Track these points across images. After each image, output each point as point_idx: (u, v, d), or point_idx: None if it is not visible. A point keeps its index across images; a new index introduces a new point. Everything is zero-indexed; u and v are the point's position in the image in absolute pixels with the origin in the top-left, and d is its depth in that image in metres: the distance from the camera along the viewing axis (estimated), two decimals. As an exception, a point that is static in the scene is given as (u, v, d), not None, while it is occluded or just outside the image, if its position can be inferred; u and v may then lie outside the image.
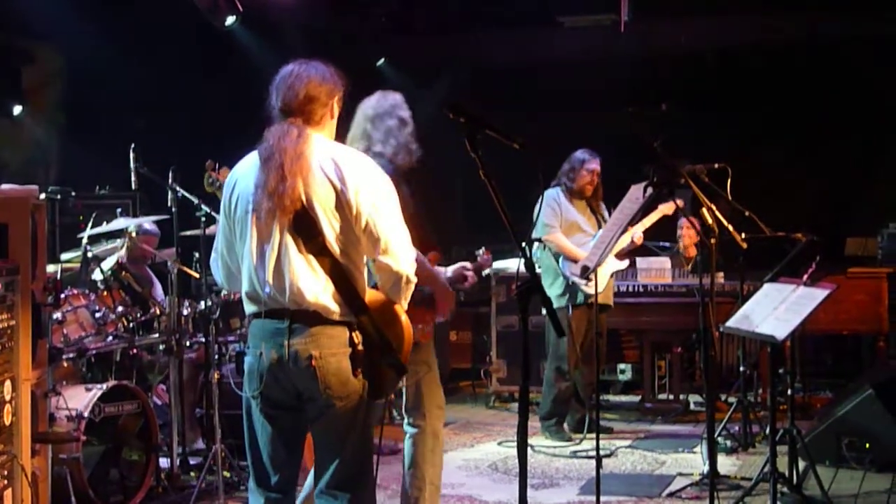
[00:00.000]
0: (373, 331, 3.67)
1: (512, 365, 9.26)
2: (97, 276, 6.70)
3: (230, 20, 8.38)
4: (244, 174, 3.72)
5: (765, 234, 6.76)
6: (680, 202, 6.27)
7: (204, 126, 9.03)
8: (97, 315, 6.23)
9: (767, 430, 6.07)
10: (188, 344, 6.72)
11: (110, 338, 6.35)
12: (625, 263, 8.01)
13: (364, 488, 3.77)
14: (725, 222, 6.43)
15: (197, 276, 6.88)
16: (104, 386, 5.84)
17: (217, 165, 4.58)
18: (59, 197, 6.78)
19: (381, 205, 3.64)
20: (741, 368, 7.41)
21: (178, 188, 6.34)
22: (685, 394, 8.91)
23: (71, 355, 5.99)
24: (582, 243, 7.64)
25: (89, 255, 6.73)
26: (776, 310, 5.49)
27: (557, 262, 7.66)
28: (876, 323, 8.60)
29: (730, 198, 6.71)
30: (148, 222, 7.33)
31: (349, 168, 3.62)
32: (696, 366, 9.24)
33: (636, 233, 7.78)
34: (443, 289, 4.67)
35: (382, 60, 10.92)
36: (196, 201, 6.24)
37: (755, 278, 7.02)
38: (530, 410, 7.49)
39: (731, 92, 10.56)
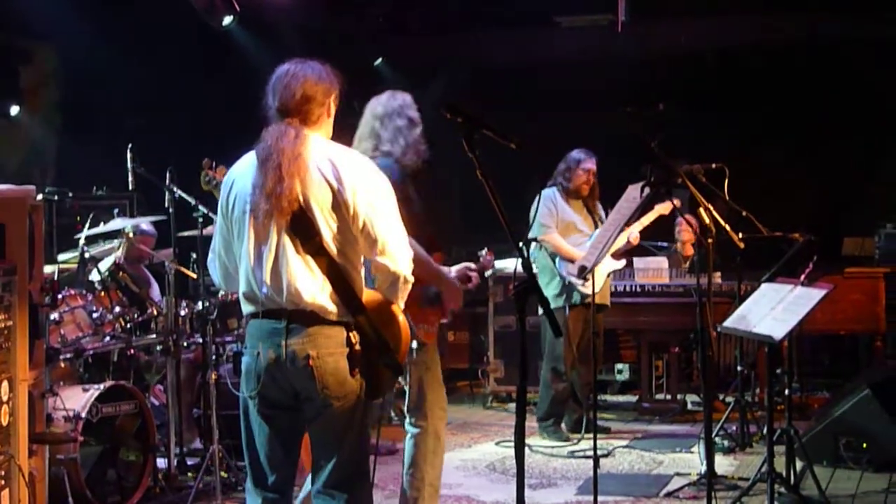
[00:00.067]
0: (370, 331, 3.67)
1: (509, 365, 9.26)
2: (94, 276, 6.69)
3: (227, 20, 8.37)
4: (242, 174, 3.72)
5: (762, 234, 6.76)
6: (676, 202, 6.27)
7: (201, 126, 9.02)
8: (94, 315, 6.22)
9: (765, 430, 6.07)
10: (185, 344, 6.72)
11: (108, 338, 6.35)
12: (621, 263, 8.01)
13: (361, 488, 3.77)
14: (723, 222, 6.44)
15: (194, 276, 6.88)
16: (101, 386, 5.84)
17: (214, 164, 4.58)
18: (56, 197, 6.78)
19: (378, 205, 3.64)
20: (738, 368, 7.42)
21: (175, 189, 6.34)
22: (682, 394, 8.92)
23: (68, 356, 5.98)
24: (578, 243, 7.64)
25: (86, 255, 6.72)
26: (773, 310, 5.49)
27: (554, 262, 7.66)
28: (873, 323, 8.60)
29: (727, 198, 6.71)
30: (145, 223, 7.33)
31: (346, 168, 3.62)
32: (693, 366, 9.23)
33: (633, 233, 7.79)
34: (450, 286, 4.67)
35: (379, 60, 10.91)
36: (193, 202, 6.24)
37: (752, 278, 7.02)
38: (528, 410, 7.48)
39: (731, 92, 10.56)
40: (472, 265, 4.93)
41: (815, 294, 5.41)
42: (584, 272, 7.05)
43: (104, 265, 6.82)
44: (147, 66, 9.01)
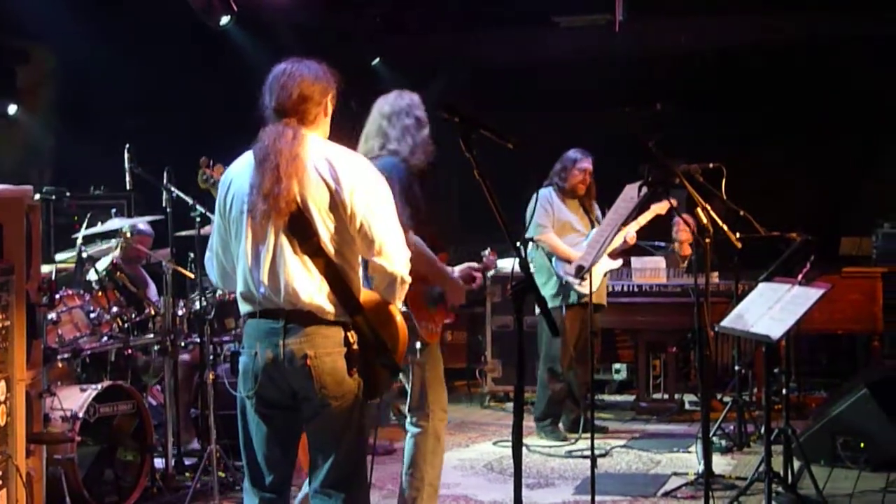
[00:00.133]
0: (367, 331, 3.67)
1: (507, 365, 9.26)
2: (92, 276, 6.69)
3: (224, 20, 8.36)
4: (239, 174, 3.72)
5: (760, 234, 6.76)
6: (673, 201, 6.27)
7: (199, 126, 9.02)
8: (92, 315, 6.23)
9: (762, 430, 6.07)
10: (183, 344, 6.72)
11: (105, 338, 6.34)
12: (618, 263, 8.01)
13: (359, 488, 3.77)
14: (720, 222, 6.44)
15: (192, 276, 6.88)
16: (99, 386, 5.83)
17: (211, 162, 4.58)
18: (53, 197, 6.78)
19: (375, 206, 3.64)
20: (736, 368, 7.43)
21: (172, 188, 6.34)
22: (680, 393, 8.92)
23: (66, 356, 5.99)
24: (575, 243, 7.64)
25: (84, 255, 6.72)
26: (771, 309, 5.50)
27: (550, 261, 7.66)
28: (870, 322, 8.61)
29: (724, 197, 6.71)
30: (142, 223, 7.33)
31: (344, 168, 3.62)
32: (691, 365, 9.24)
33: (629, 232, 7.79)
34: (455, 286, 4.69)
35: (377, 60, 10.91)
36: (191, 202, 6.24)
37: (750, 278, 7.01)
38: (525, 410, 7.49)
39: (731, 92, 10.56)
40: (476, 265, 4.94)
41: (812, 294, 5.42)
42: (581, 272, 7.05)
43: (101, 265, 6.81)
44: (144, 66, 9.01)
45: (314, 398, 3.62)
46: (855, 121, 10.40)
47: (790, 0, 9.98)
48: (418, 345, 4.57)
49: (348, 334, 3.63)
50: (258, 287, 3.63)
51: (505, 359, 9.27)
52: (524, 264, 3.35)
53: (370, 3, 10.41)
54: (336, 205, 3.59)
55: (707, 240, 5.94)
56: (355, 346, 3.64)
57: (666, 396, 8.91)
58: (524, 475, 3.76)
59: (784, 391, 6.09)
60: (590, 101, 10.42)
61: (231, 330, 6.85)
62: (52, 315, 5.91)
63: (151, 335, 6.58)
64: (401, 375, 4.67)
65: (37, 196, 5.45)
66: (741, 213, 6.73)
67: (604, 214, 7.43)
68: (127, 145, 6.44)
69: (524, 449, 6.40)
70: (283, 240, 3.60)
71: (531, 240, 7.44)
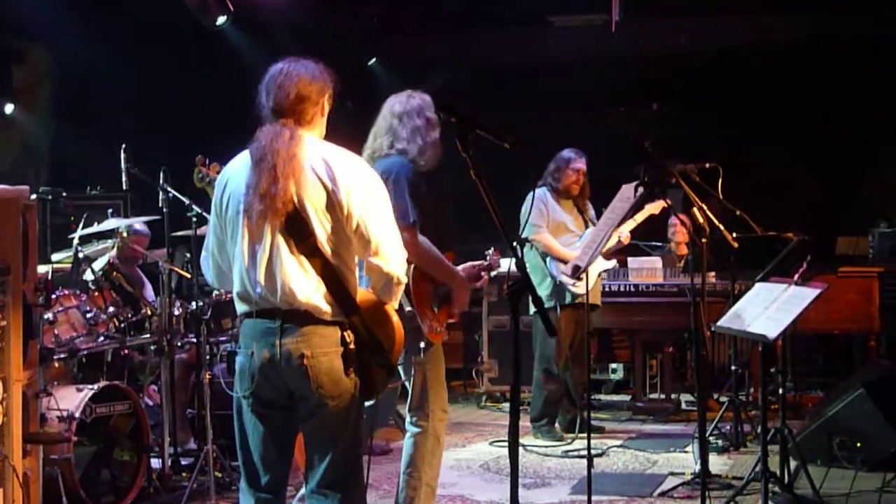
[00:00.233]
0: (363, 331, 3.67)
1: (503, 365, 9.27)
2: (88, 276, 6.68)
3: (221, 20, 8.36)
4: (236, 173, 3.72)
5: (756, 234, 6.76)
6: (668, 201, 6.27)
7: (195, 126, 9.02)
8: (88, 315, 6.22)
9: (759, 430, 6.08)
10: (179, 344, 6.70)
11: (101, 338, 6.34)
12: (612, 263, 8.02)
13: (355, 487, 3.77)
14: (717, 222, 6.44)
15: (188, 276, 6.87)
16: (95, 386, 5.83)
17: (208, 161, 4.57)
18: (50, 197, 6.80)
19: (371, 206, 3.64)
20: (732, 368, 7.43)
21: (169, 188, 6.33)
22: (676, 393, 8.93)
23: (62, 356, 5.98)
24: (569, 243, 7.64)
25: (80, 255, 6.71)
26: (767, 309, 5.50)
27: (545, 262, 7.66)
28: (867, 322, 8.62)
29: (721, 197, 6.72)
30: (138, 223, 7.32)
31: (340, 168, 3.62)
32: (687, 365, 9.25)
33: (623, 232, 7.79)
34: (462, 285, 4.69)
35: (373, 60, 10.91)
36: (187, 202, 6.23)
37: (746, 277, 7.03)
38: (522, 410, 7.50)
39: (731, 92, 10.57)
40: (480, 263, 4.94)
41: (808, 293, 5.42)
42: (577, 272, 7.05)
43: (98, 265, 6.81)
44: (141, 66, 9.01)
45: (311, 398, 3.61)
46: (855, 121, 10.41)
47: (790, 0, 9.99)
48: (422, 344, 4.57)
49: (345, 334, 3.63)
50: (255, 287, 3.63)
51: (502, 359, 9.28)
52: (521, 264, 3.35)
53: (367, 3, 10.42)
54: (332, 205, 3.59)
55: (703, 240, 5.94)
56: (352, 346, 3.63)
57: (662, 396, 8.92)
58: (521, 475, 3.76)
59: (780, 391, 6.10)
60: (589, 101, 10.43)
61: (227, 330, 6.84)
62: (48, 315, 5.90)
63: (148, 335, 6.57)
64: (402, 375, 4.68)
65: (33, 196, 5.43)
66: (738, 212, 6.73)
67: (599, 214, 7.42)
68: (123, 145, 6.44)
69: (521, 449, 6.40)
70: (280, 240, 3.60)
71: (526, 240, 7.44)
